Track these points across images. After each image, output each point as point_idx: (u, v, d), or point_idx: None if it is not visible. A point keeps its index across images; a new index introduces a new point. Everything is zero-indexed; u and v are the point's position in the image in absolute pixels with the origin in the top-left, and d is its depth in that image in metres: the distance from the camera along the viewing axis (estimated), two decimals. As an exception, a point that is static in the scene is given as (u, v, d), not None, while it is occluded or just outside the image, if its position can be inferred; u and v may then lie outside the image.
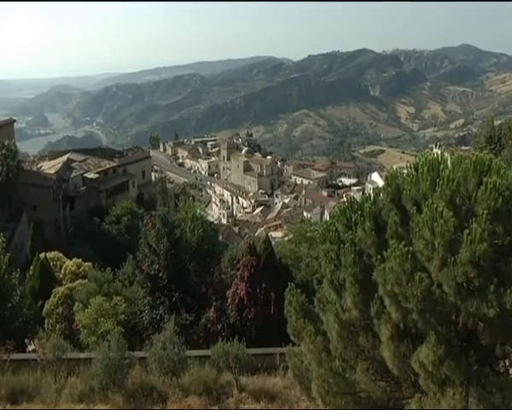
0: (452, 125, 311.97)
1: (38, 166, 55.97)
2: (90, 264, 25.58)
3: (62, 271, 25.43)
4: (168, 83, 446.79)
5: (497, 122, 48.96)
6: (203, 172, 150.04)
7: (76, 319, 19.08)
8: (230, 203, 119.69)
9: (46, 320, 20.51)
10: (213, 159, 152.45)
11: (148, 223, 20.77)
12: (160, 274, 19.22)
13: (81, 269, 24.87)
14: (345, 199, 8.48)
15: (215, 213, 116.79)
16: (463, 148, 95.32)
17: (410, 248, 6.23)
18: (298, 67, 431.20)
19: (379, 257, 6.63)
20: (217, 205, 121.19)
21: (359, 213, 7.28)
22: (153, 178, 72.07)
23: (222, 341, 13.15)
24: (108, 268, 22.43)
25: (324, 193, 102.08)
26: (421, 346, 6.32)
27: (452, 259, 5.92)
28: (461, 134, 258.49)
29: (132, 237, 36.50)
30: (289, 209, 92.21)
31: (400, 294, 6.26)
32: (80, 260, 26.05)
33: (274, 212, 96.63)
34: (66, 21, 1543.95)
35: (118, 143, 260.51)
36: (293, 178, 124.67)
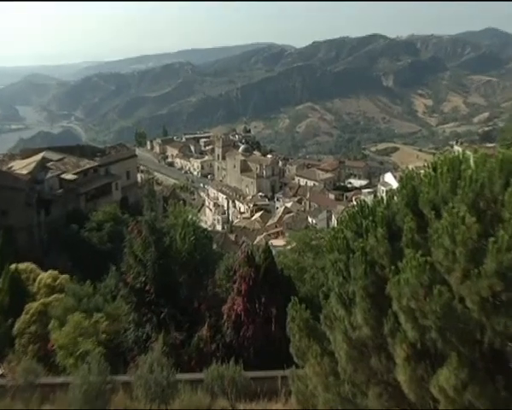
0: (475, 120, 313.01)
1: (9, 165, 55.91)
2: (67, 276, 25.46)
3: (36, 284, 25.33)
4: (156, 72, 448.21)
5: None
6: (195, 173, 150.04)
7: (51, 338, 19.01)
8: (226, 208, 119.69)
9: (17, 340, 20.41)
10: (207, 158, 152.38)
11: (134, 230, 20.72)
12: (147, 287, 19.17)
13: (57, 282, 24.77)
14: (354, 203, 8.48)
15: (209, 219, 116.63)
16: (488, 145, 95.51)
17: (428, 258, 6.23)
18: (301, 54, 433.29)
19: (393, 268, 6.63)
20: (211, 210, 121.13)
21: (371, 218, 7.28)
22: (139, 179, 72.14)
23: (216, 362, 13.12)
24: (88, 281, 22.35)
25: (331, 196, 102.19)
26: (441, 368, 6.31)
27: (476, 270, 5.91)
28: (485, 129, 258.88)
29: (115, 245, 36.39)
30: (292, 214, 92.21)
31: (417, 309, 6.25)
32: (56, 271, 25.94)
33: (275, 217, 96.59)
34: (40, 1, 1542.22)
35: (99, 140, 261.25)
36: (297, 179, 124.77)
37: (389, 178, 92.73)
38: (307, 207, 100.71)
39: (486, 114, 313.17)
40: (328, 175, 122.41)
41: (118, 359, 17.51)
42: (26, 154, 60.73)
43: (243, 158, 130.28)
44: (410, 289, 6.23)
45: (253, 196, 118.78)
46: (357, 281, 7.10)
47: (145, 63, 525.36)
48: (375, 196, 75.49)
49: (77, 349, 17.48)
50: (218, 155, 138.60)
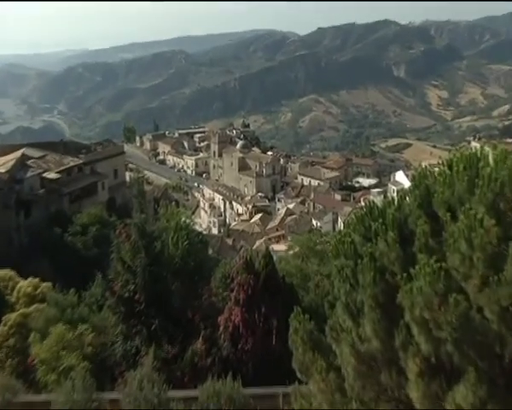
0: (495, 113, 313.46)
1: (-15, 163, 55.83)
2: (49, 284, 25.41)
3: (15, 293, 25.28)
4: (146, 62, 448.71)
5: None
6: (189, 172, 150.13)
7: (32, 352, 18.98)
8: (223, 209, 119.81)
9: (-6, 355, 20.38)
10: (202, 155, 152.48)
11: (122, 234, 20.72)
12: (136, 297, 19.16)
13: (38, 291, 24.72)
14: (363, 204, 8.50)
15: (204, 222, 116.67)
16: (509, 140, 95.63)
17: (443, 265, 6.23)
18: (305, 42, 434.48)
19: (405, 275, 6.63)
20: (206, 211, 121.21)
21: (380, 221, 7.29)
22: (127, 178, 72.11)
23: (212, 378, 13.11)
24: (72, 290, 22.33)
25: (337, 196, 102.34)
26: (457, 385, 6.30)
27: (495, 277, 5.91)
28: (505, 123, 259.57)
29: (102, 250, 36.39)
30: (295, 217, 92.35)
31: (431, 320, 6.25)
32: (37, 279, 25.89)
33: (276, 220, 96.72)
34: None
35: (84, 136, 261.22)
36: (300, 178, 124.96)
37: (400, 176, 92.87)
38: (311, 209, 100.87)
39: (507, 107, 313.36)
40: (334, 174, 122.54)
41: (104, 374, 17.50)
42: (3, 151, 60.55)
43: (241, 155, 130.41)
44: (424, 298, 6.22)
45: (252, 197, 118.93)
46: (365, 289, 7.11)
47: (133, 52, 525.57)
48: (386, 196, 75.51)
49: (59, 364, 17.45)
50: (214, 152, 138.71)
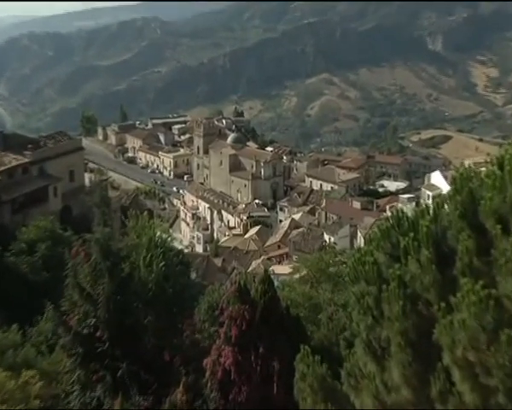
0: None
1: None
2: (-15, 318, 25.43)
3: None
4: (111, 32, 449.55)
5: None
6: (166, 173, 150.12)
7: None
8: (209, 221, 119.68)
9: None
10: (182, 152, 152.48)
11: (79, 253, 20.72)
12: (98, 334, 19.14)
13: (-29, 327, 24.71)
14: (389, 213, 8.51)
15: (185, 237, 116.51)
16: None
17: (493, 292, 6.24)
18: (314, 7, 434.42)
19: (443, 305, 6.64)
20: (188, 224, 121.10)
21: (411, 235, 7.30)
22: (87, 181, 71.97)
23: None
24: (15, 326, 22.26)
25: (356, 204, 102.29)
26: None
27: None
28: None
29: (54, 275, 36.31)
30: (301, 230, 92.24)
31: (478, 363, 6.25)
32: (-31, 312, 25.90)
33: (277, 234, 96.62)
34: None
35: (31, 127, 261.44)
36: (308, 180, 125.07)
37: (437, 178, 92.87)
38: (322, 220, 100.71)
39: None
40: (352, 175, 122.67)
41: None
42: None
43: (233, 152, 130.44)
44: (468, 334, 6.23)
45: (246, 205, 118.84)
46: (392, 323, 7.11)
47: (95, 19, 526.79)
48: (418, 203, 75.64)
49: (-1, 421, 17.41)
50: (199, 148, 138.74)
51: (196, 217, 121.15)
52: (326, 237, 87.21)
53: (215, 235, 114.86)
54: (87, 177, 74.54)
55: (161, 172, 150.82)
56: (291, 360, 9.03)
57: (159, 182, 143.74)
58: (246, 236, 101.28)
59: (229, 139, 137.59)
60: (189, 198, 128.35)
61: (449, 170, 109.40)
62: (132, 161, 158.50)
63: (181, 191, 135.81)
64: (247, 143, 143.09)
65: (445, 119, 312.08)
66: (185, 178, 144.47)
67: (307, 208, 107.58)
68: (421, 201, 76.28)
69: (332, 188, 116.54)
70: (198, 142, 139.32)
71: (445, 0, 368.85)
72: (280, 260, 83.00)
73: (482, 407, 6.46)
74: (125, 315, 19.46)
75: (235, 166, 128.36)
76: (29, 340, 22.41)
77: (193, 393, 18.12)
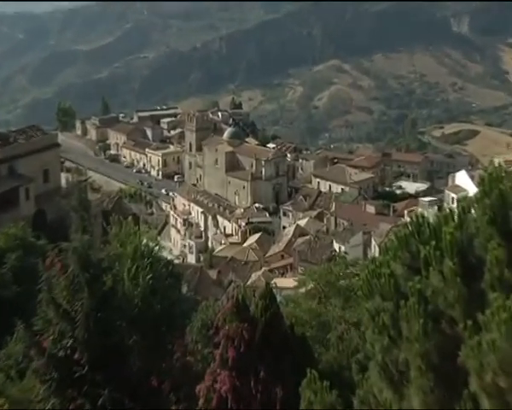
0: None
1: None
2: None
3: None
4: (90, 13, 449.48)
5: None
6: (154, 173, 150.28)
7: None
8: (203, 228, 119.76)
9: None
10: (172, 149, 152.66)
11: (55, 264, 20.68)
12: (76, 356, 19.09)
13: None
14: (407, 219, 8.48)
15: (176, 246, 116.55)
16: None
17: (527, 308, 6.20)
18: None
19: (470, 323, 6.60)
20: (178, 231, 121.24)
21: (433, 244, 7.26)
22: (63, 182, 71.99)
23: None
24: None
25: (370, 208, 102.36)
26: None
27: None
28: None
29: (25, 289, 36.31)
30: (308, 238, 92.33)
31: (509, 390, 6.21)
32: None
33: (281, 242, 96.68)
34: None
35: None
36: (315, 181, 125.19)
37: (463, 179, 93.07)
38: (332, 227, 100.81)
39: None
40: (366, 175, 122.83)
41: None
42: None
43: (230, 149, 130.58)
44: (499, 357, 6.19)
45: (245, 210, 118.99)
46: (411, 344, 7.08)
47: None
48: (441, 208, 75.72)
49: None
50: (191, 145, 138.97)
51: (188, 223, 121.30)
52: (336, 245, 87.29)
53: (209, 243, 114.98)
54: (63, 177, 74.60)
55: (148, 172, 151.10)
56: (296, 385, 9.00)
57: (145, 183, 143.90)
58: (244, 244, 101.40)
59: (226, 134, 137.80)
60: (180, 202, 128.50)
61: (476, 169, 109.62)
62: (115, 159, 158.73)
63: (171, 194, 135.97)
64: (246, 139, 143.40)
65: (472, 111, 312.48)
66: (175, 179, 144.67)
67: (314, 213, 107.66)
68: (445, 204, 76.39)
69: (342, 190, 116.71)
70: (190, 137, 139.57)
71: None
72: (283, 271, 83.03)
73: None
74: (106, 335, 19.40)
75: (233, 166, 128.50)
76: (-3, 363, 22.38)
77: (184, 423, 18.14)
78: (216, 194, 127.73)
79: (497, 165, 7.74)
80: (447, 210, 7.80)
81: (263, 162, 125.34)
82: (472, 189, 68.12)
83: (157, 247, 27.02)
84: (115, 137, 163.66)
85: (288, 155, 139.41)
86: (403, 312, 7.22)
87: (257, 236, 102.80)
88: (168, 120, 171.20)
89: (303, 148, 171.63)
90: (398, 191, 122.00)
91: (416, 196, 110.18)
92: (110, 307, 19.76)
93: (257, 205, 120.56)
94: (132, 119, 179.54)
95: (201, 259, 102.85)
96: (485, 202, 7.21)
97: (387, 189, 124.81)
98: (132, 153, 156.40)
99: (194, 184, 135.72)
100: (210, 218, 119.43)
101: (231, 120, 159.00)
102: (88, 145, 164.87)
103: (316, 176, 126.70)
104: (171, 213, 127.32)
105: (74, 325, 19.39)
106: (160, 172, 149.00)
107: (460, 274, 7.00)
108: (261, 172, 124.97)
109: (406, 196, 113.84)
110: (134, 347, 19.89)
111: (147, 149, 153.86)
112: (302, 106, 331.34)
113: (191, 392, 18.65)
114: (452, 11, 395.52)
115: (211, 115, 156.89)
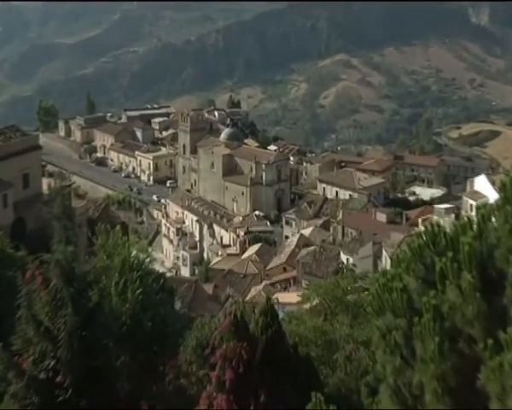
0: None
1: None
2: None
3: None
4: (75, 3, 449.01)
5: None
6: (144, 178, 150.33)
7: None
8: (198, 238, 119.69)
9: None
10: (164, 151, 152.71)
11: (36, 277, 20.73)
12: (59, 379, 19.10)
13: None
14: (421, 228, 8.55)
15: (168, 258, 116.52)
16: None
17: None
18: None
19: (490, 342, 6.65)
20: (171, 241, 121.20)
21: (450, 255, 7.31)
22: (45, 188, 71.94)
23: None
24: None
25: (381, 216, 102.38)
26: None
27: None
28: None
29: (2, 305, 36.31)
30: (313, 249, 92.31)
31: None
32: None
33: (283, 254, 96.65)
34: None
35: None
36: (321, 187, 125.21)
37: (482, 184, 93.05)
38: (339, 237, 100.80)
39: None
40: (376, 180, 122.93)
41: None
42: None
43: (228, 151, 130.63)
44: (522, 378, 6.25)
45: (244, 218, 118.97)
46: (426, 365, 7.12)
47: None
48: (458, 216, 75.74)
49: None
50: (185, 147, 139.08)
51: (182, 232, 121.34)
52: (343, 257, 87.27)
53: (205, 255, 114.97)
54: (45, 182, 74.40)
55: (138, 177, 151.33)
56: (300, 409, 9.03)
57: (135, 189, 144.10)
58: (243, 256, 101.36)
59: (223, 136, 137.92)
60: (173, 209, 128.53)
61: (497, 173, 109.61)
62: (102, 162, 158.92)
63: (162, 201, 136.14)
64: (245, 141, 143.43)
65: (493, 109, 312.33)
66: (168, 185, 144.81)
67: (320, 222, 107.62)
68: (463, 212, 76.36)
69: (350, 196, 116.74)
70: (184, 139, 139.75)
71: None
72: (286, 285, 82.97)
73: None
74: (92, 355, 19.42)
75: (230, 170, 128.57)
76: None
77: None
78: (212, 201, 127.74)
79: (519, 169, 7.80)
80: (465, 218, 7.82)
81: (263, 166, 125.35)
82: (492, 195, 68.02)
83: (148, 259, 27.07)
84: (102, 139, 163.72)
85: (291, 158, 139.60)
86: (417, 330, 7.25)
87: (257, 246, 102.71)
88: (160, 119, 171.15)
89: (307, 150, 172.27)
90: (411, 198, 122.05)
91: (431, 202, 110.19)
92: (96, 325, 19.76)
93: (257, 213, 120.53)
94: (120, 118, 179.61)
95: (196, 272, 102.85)
96: (507, 209, 7.24)
97: (400, 195, 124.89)
98: (120, 156, 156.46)
99: (189, 190, 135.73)
100: (205, 227, 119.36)
101: (229, 120, 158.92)
102: (72, 147, 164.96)
103: (321, 181, 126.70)
104: (163, 221, 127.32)
105: (57, 345, 19.40)
106: (151, 177, 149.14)
107: (479, 289, 7.01)
108: (261, 176, 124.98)
109: (420, 203, 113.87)
110: (122, 369, 19.89)
111: (136, 152, 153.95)
112: (306, 104, 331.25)
113: (185, 418, 18.70)
114: (470, 2, 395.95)
115: (206, 115, 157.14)
